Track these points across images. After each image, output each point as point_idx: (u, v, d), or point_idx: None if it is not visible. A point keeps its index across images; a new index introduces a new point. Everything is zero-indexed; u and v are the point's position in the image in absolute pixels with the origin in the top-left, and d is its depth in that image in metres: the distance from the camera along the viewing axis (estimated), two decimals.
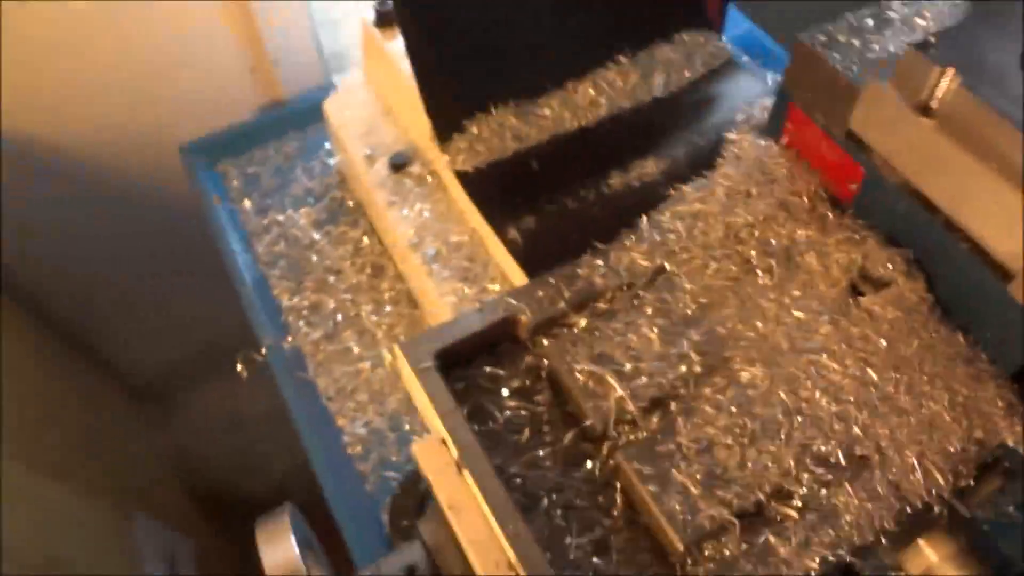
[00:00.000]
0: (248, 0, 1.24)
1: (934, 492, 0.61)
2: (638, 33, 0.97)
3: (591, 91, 0.95)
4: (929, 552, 0.64)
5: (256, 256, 1.13)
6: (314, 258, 1.12)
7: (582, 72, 0.96)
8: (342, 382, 1.03)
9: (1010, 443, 0.61)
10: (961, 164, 0.58)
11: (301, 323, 1.07)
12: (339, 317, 1.07)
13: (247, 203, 1.18)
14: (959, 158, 0.58)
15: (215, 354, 1.47)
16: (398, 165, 1.02)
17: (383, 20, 1.01)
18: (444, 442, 0.67)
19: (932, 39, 0.59)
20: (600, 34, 0.96)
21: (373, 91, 1.09)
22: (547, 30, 0.95)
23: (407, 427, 0.99)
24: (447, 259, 0.95)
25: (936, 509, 0.61)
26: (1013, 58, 0.58)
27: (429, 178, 1.01)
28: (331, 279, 1.10)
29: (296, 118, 1.26)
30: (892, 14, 0.70)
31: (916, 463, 0.61)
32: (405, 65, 0.97)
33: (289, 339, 1.05)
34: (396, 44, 1.00)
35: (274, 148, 1.24)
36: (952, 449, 0.61)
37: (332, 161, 1.20)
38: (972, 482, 0.61)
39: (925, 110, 0.59)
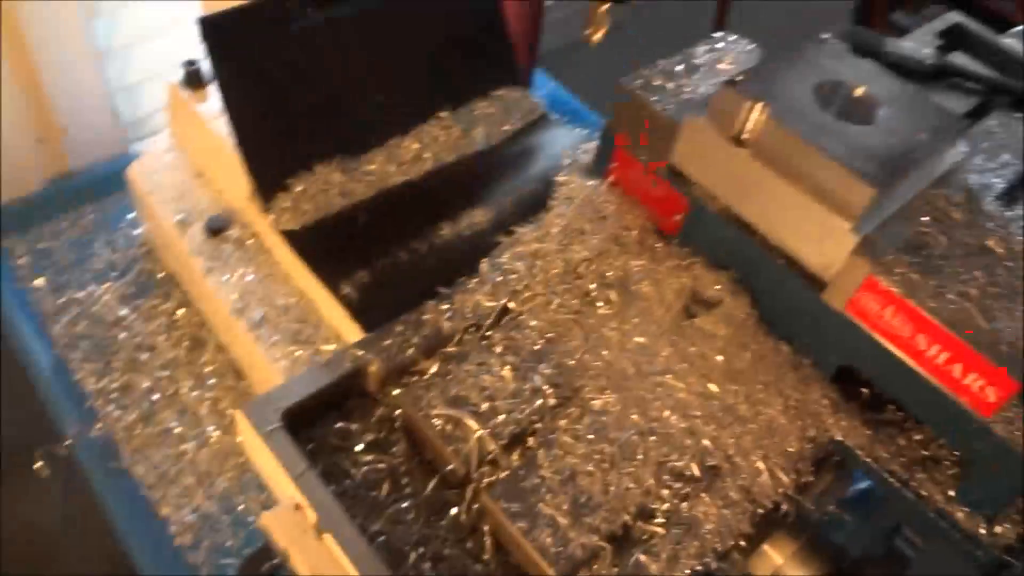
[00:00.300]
0: (36, 65, 1.15)
1: (780, 491, 0.65)
2: (457, 90, 1.00)
3: (415, 146, 0.96)
4: (774, 555, 0.68)
5: (53, 339, 1.03)
6: (122, 336, 1.04)
7: (405, 128, 0.97)
8: (163, 467, 0.95)
9: (838, 437, 0.67)
10: (774, 188, 0.65)
11: (111, 407, 0.98)
12: (155, 396, 0.99)
13: (39, 281, 1.08)
14: (772, 182, 0.65)
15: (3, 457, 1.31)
16: (215, 229, 0.97)
17: (192, 81, 0.97)
18: (299, 508, 0.63)
19: (739, 78, 0.65)
20: (421, 92, 0.98)
21: (182, 155, 1.04)
22: (369, 89, 0.95)
23: (241, 507, 0.93)
24: (276, 323, 0.92)
25: (783, 507, 0.65)
26: (808, 91, 0.66)
27: (250, 241, 0.97)
28: (143, 356, 1.02)
29: (93, 188, 1.18)
30: (698, 60, 0.77)
31: (762, 466, 0.65)
32: (219, 125, 0.94)
33: (98, 426, 0.96)
34: (208, 105, 0.97)
35: (69, 221, 1.15)
36: (791, 449, 0.66)
37: (138, 231, 1.13)
38: (811, 478, 0.66)
39: (739, 141, 0.65)
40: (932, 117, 0.68)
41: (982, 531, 0.62)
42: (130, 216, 1.14)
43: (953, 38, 0.95)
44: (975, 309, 0.60)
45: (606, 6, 0.88)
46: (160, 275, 1.08)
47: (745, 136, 0.65)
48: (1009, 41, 0.95)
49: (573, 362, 0.70)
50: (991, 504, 0.62)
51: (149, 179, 1.03)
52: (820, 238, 0.64)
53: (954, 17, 0.96)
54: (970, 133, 0.82)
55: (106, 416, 0.97)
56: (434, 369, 0.70)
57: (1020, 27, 1.02)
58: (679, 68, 0.75)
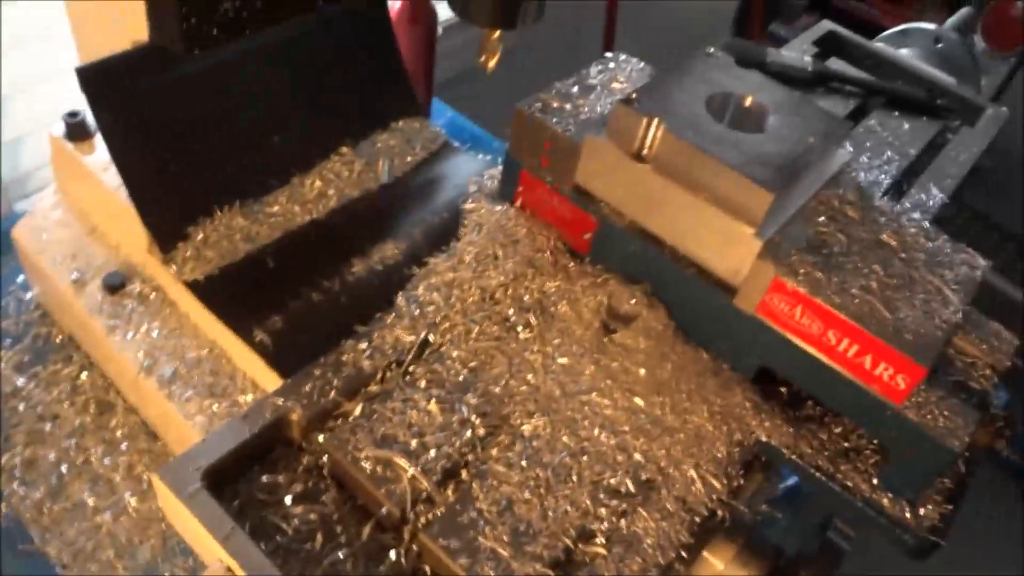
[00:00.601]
0: None
1: (715, 497, 0.66)
2: (357, 124, 0.99)
3: (318, 184, 0.95)
4: (715, 561, 0.69)
5: None
6: (21, 407, 0.98)
7: (306, 166, 0.95)
8: (79, 543, 0.90)
9: (763, 438, 0.68)
10: (677, 200, 0.66)
11: (15, 485, 0.93)
12: (63, 468, 0.94)
13: None
14: (674, 195, 0.66)
15: None
16: (114, 286, 0.93)
17: (76, 133, 0.93)
18: (230, 571, 0.61)
19: (634, 96, 0.67)
20: (319, 128, 0.97)
21: (72, 210, 1.00)
22: (265, 129, 0.93)
23: (167, 575, 0.88)
24: (187, 378, 0.88)
25: (719, 513, 0.66)
26: (701, 104, 0.68)
27: (153, 295, 0.93)
28: (47, 427, 0.97)
29: None
30: (592, 81, 0.78)
31: (694, 474, 0.66)
32: (109, 177, 0.90)
33: (2, 507, 0.91)
34: (95, 156, 0.93)
35: None
36: (720, 455, 0.67)
37: (29, 295, 1.07)
38: (742, 481, 0.68)
39: (639, 156, 0.67)
40: (819, 121, 0.71)
41: (908, 515, 0.65)
42: (20, 279, 1.08)
43: (828, 45, 1.00)
44: (878, 301, 0.62)
45: (498, 33, 0.89)
46: (58, 339, 1.03)
47: (645, 151, 0.67)
48: (879, 45, 1.01)
49: (499, 389, 0.70)
50: (912, 488, 0.65)
51: (38, 238, 0.98)
52: (725, 245, 0.65)
53: (828, 25, 1.02)
54: (854, 134, 0.86)
55: (10, 495, 0.92)
56: (358, 410, 0.68)
57: (888, 31, 1.08)
58: (574, 89, 0.77)
